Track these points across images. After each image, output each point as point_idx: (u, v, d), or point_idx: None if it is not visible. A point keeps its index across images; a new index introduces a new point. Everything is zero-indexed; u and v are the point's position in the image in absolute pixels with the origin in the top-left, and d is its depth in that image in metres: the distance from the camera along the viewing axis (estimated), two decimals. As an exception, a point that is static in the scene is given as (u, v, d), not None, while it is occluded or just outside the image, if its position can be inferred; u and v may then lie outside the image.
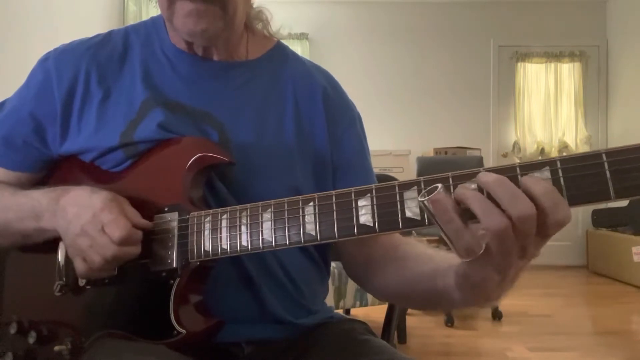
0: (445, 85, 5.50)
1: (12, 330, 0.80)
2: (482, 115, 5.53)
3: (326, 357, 0.76)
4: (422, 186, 0.54)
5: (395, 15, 5.51)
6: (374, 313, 2.65)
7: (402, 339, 2.76)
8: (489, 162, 5.21)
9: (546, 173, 0.47)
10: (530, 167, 0.48)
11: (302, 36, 5.36)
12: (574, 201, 0.46)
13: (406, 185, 0.55)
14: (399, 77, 5.50)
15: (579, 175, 0.46)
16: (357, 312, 3.15)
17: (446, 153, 4.93)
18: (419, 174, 3.85)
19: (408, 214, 0.54)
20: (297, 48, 5.16)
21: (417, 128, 5.45)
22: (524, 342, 2.81)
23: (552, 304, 3.72)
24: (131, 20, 3.96)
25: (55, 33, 2.94)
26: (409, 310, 3.11)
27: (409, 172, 4.29)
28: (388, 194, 0.56)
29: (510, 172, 0.48)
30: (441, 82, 5.50)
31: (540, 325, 3.16)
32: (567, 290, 4.29)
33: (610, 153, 0.46)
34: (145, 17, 4.14)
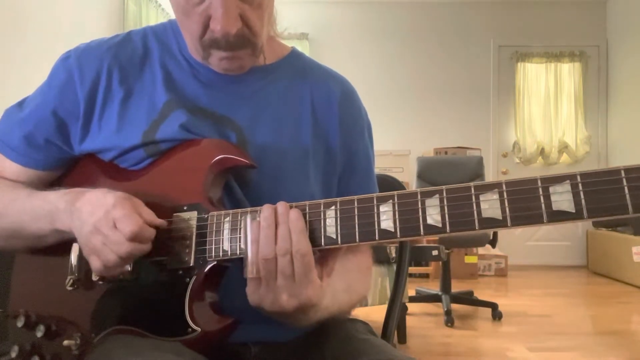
0: (446, 85, 5.51)
1: (20, 323, 0.80)
2: (482, 115, 5.53)
3: (329, 357, 0.77)
4: (444, 194, 0.55)
5: (395, 15, 5.52)
6: (374, 313, 2.65)
7: (402, 339, 2.76)
8: (488, 162, 5.23)
9: (566, 186, 0.48)
10: (551, 180, 0.49)
11: (302, 36, 5.36)
12: (592, 214, 0.47)
13: (428, 193, 0.56)
14: (398, 77, 5.50)
15: (598, 189, 0.47)
16: (357, 312, 3.12)
17: (446, 153, 4.94)
18: (419, 174, 3.86)
19: (429, 221, 0.55)
20: (297, 48, 5.13)
21: (417, 128, 5.46)
22: (524, 342, 2.82)
23: (552, 304, 3.73)
24: (131, 20, 3.94)
25: (55, 32, 2.93)
26: (409, 310, 3.12)
27: (409, 172, 4.29)
28: (410, 201, 0.57)
29: (531, 184, 0.49)
30: (441, 82, 5.50)
31: (540, 325, 3.17)
32: (567, 290, 4.30)
33: (629, 170, 0.47)
34: (145, 17, 4.13)
